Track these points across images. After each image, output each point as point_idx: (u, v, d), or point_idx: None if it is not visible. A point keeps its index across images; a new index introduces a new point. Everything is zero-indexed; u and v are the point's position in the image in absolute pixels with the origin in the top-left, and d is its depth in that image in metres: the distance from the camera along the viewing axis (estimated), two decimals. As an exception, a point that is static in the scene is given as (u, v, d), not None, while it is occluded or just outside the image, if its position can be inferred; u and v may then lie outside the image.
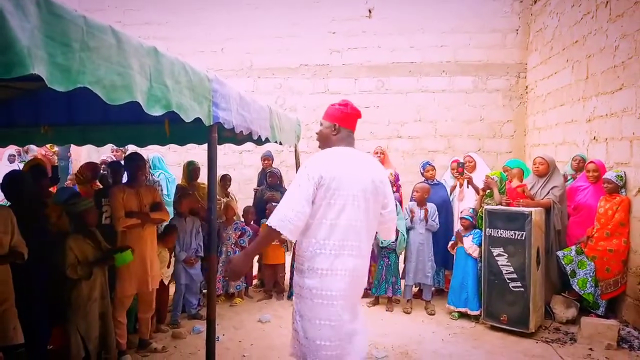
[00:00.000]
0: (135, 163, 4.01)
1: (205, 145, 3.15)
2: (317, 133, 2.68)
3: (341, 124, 2.58)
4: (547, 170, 5.05)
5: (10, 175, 3.39)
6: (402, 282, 5.38)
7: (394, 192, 5.05)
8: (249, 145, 5.87)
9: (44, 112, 4.67)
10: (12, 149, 8.00)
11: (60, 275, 3.36)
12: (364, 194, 2.45)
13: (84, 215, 3.50)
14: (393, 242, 5.15)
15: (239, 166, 8.94)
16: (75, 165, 8.66)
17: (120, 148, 7.12)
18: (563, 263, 4.78)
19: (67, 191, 4.59)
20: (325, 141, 2.62)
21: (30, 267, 3.09)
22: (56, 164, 7.09)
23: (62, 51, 1.57)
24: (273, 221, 2.35)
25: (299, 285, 2.51)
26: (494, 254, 4.67)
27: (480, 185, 5.39)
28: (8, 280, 2.96)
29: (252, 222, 5.72)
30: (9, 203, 3.38)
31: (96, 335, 3.50)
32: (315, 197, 2.38)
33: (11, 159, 8.20)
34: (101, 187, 4.90)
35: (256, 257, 5.93)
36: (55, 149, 8.06)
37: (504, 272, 4.61)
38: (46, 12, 1.50)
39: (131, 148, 6.66)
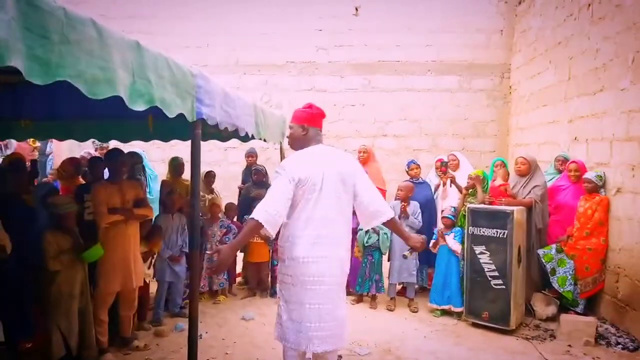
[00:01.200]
0: (117, 159, 3.95)
1: (189, 141, 3.12)
2: (287, 137, 2.95)
3: (309, 124, 2.85)
4: (528, 170, 5.12)
5: None
6: (386, 280, 5.41)
7: None
8: (234, 142, 5.82)
9: (25, 105, 4.59)
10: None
11: (39, 271, 3.32)
12: (334, 186, 2.74)
13: (65, 217, 3.46)
14: (377, 240, 5.18)
15: (224, 163, 8.89)
16: (56, 161, 8.53)
17: (104, 144, 7.03)
18: (543, 261, 4.86)
19: (45, 187, 4.52)
20: (297, 142, 2.88)
21: (8, 263, 3.05)
22: (36, 159, 6.97)
23: (40, 43, 1.54)
24: (258, 215, 2.55)
25: (282, 272, 2.81)
26: (477, 252, 4.72)
27: (463, 184, 5.44)
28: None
29: (234, 219, 5.68)
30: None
31: (76, 331, 3.46)
32: (295, 196, 2.66)
33: None
34: (84, 182, 4.83)
35: (240, 255, 5.93)
36: (37, 144, 7.92)
37: (485, 269, 4.67)
38: (24, 3, 1.47)
39: (114, 144, 6.58)
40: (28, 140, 7.50)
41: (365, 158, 6.17)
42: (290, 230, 2.73)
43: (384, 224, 2.99)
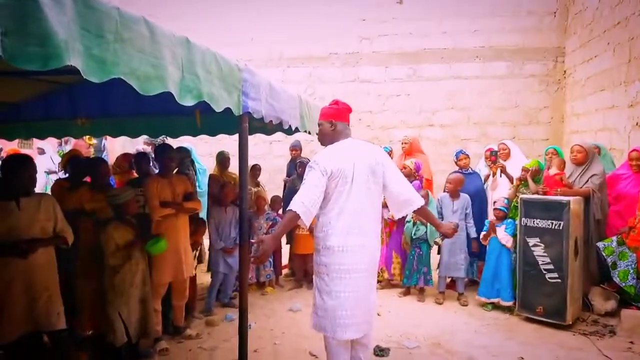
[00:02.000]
0: (166, 154, 4.07)
1: (236, 136, 3.17)
2: (317, 134, 3.08)
3: (336, 119, 2.96)
4: (585, 158, 4.87)
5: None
6: (435, 273, 5.32)
7: (414, 181, 5.04)
8: (278, 135, 5.87)
9: (80, 104, 4.80)
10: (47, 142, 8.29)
11: (102, 261, 3.46)
12: (365, 178, 2.85)
13: (125, 206, 3.59)
14: (425, 232, 5.10)
15: (269, 156, 8.99)
16: (111, 157, 8.89)
17: (155, 140, 7.25)
18: (604, 254, 4.61)
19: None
20: (326, 137, 3.00)
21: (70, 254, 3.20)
22: (91, 156, 7.29)
23: (97, 43, 1.59)
24: (296, 207, 2.67)
25: (317, 263, 2.91)
26: (530, 244, 4.55)
27: (514, 174, 5.25)
28: (52, 266, 3.06)
29: (279, 212, 5.74)
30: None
31: (137, 319, 3.60)
32: (328, 188, 2.78)
33: (40, 152, 8.51)
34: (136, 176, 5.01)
35: (286, 248, 5.99)
36: (93, 141, 8.27)
37: (540, 262, 4.50)
38: (81, 4, 1.53)
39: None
40: (84, 137, 7.84)
41: (408, 149, 6.08)
42: (324, 221, 2.85)
43: (414, 212, 3.06)
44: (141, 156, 4.81)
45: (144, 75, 1.85)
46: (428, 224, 5.04)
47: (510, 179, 5.37)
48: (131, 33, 1.78)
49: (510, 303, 4.77)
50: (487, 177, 5.71)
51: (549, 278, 4.44)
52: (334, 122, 2.95)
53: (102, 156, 8.71)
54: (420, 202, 3.03)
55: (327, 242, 2.82)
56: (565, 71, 8.29)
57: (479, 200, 5.44)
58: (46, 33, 1.36)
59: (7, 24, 1.28)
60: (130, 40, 1.77)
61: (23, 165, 2.94)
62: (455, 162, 5.66)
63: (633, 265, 4.48)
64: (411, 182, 5.32)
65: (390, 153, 6.51)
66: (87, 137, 7.93)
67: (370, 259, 2.93)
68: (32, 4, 1.33)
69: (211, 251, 4.88)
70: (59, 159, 8.23)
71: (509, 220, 4.90)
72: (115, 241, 3.46)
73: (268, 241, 2.72)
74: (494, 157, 5.72)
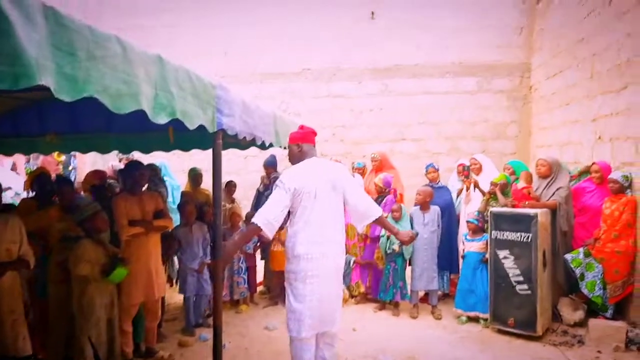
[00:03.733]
0: (136, 171, 3.99)
1: (209, 150, 3.15)
2: (288, 155, 3.42)
3: (302, 142, 3.32)
4: (549, 171, 5.04)
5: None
6: (409, 287, 5.36)
7: (387, 196, 5.31)
8: (253, 150, 5.85)
9: (49, 120, 4.69)
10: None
11: (70, 282, 3.36)
12: (327, 193, 3.18)
13: (91, 221, 3.49)
14: (400, 246, 5.15)
15: (243, 171, 8.94)
16: (80, 173, 8.69)
17: (126, 155, 7.14)
18: (572, 266, 4.74)
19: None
20: (294, 158, 3.34)
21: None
22: (61, 173, 7.12)
23: (68, 61, 1.58)
24: (258, 220, 3.02)
25: (287, 270, 3.23)
26: (500, 256, 4.65)
27: (486, 187, 5.37)
28: (17, 289, 2.96)
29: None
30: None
31: (105, 341, 3.50)
32: (293, 203, 3.12)
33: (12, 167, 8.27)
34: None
35: (262, 263, 5.95)
36: (62, 157, 8.09)
37: (510, 274, 4.59)
38: (53, 22, 1.51)
39: (136, 155, 6.67)
40: (53, 154, 7.66)
41: (378, 165, 6.15)
42: (291, 232, 3.18)
43: (374, 222, 3.40)
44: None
45: (116, 93, 1.83)
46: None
47: (483, 193, 5.48)
48: (103, 51, 1.77)
49: (487, 315, 4.84)
50: (460, 191, 5.81)
51: (519, 290, 4.53)
52: (300, 145, 3.31)
53: (70, 173, 8.53)
54: (378, 213, 3.38)
55: (294, 251, 3.14)
56: (531, 86, 8.57)
57: (448, 214, 5.53)
58: (16, 51, 1.34)
59: (-25, 42, 1.26)
60: (103, 58, 1.76)
61: None
62: (425, 175, 5.76)
63: (600, 276, 4.62)
64: (384, 197, 5.42)
65: (363, 169, 6.57)
66: (56, 153, 7.75)
67: (333, 265, 3.23)
68: (3, 21, 1.31)
69: (180, 272, 4.77)
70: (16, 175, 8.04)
71: (487, 234, 4.98)
72: (89, 253, 3.37)
73: (229, 246, 3.02)
74: (467, 172, 5.83)
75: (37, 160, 8.17)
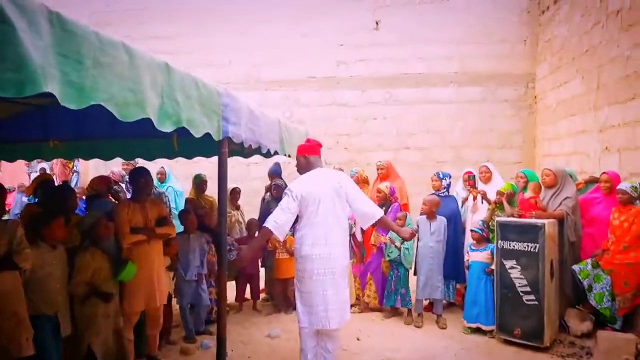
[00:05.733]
0: (142, 177, 3.95)
1: (213, 157, 3.13)
2: (296, 166, 3.75)
3: (308, 154, 3.67)
4: (554, 181, 4.98)
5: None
6: (413, 295, 5.31)
7: (392, 204, 5.33)
8: (256, 157, 5.84)
9: (53, 126, 4.68)
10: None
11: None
12: (330, 198, 3.50)
13: (94, 230, 3.47)
14: (398, 255, 5.12)
15: (247, 179, 8.91)
16: (82, 179, 8.68)
17: (130, 162, 7.12)
18: (579, 277, 4.68)
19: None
20: (302, 168, 3.68)
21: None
22: (67, 180, 7.12)
23: (75, 68, 1.55)
24: (269, 224, 3.38)
25: (297, 268, 3.58)
26: (507, 266, 4.59)
27: (492, 197, 5.32)
28: (19, 291, 2.94)
29: (256, 234, 5.63)
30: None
31: (111, 352, 3.45)
32: (300, 209, 3.44)
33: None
34: (115, 201, 4.87)
35: (262, 272, 5.91)
36: (74, 167, 8.15)
37: (517, 285, 4.53)
38: (59, 29, 1.49)
39: (140, 161, 6.66)
40: (67, 162, 7.68)
41: (385, 174, 6.10)
42: (299, 235, 3.52)
43: (376, 224, 3.74)
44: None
45: (123, 101, 1.81)
46: (402, 247, 5.07)
47: (490, 202, 5.43)
48: (110, 58, 1.74)
49: (490, 327, 4.78)
50: (465, 199, 5.76)
51: (526, 300, 4.47)
52: (307, 157, 3.65)
53: (73, 176, 8.53)
54: (380, 214, 3.69)
55: (301, 252, 3.47)
56: (536, 96, 8.54)
57: (454, 223, 5.47)
58: (22, 59, 1.32)
59: (-20, 50, 1.24)
60: (109, 65, 1.73)
61: None
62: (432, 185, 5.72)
63: (608, 288, 4.55)
64: (389, 205, 5.38)
65: (356, 176, 6.51)
66: (69, 162, 7.81)
67: (336, 264, 3.50)
68: (7, 28, 1.29)
69: (177, 282, 4.71)
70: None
71: (491, 244, 4.93)
72: (91, 268, 3.34)
73: (245, 250, 3.49)
74: (472, 182, 5.78)
75: (42, 164, 8.19)
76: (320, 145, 3.76)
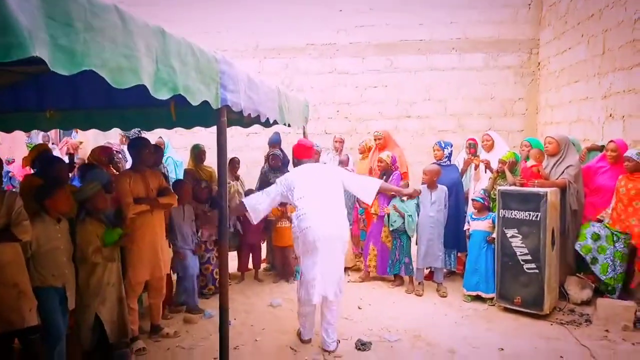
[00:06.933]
0: (142, 147, 3.91)
1: (212, 128, 3.07)
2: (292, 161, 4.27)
3: (300, 157, 4.14)
4: (557, 149, 4.91)
5: None
6: (415, 264, 5.34)
7: (394, 172, 5.31)
8: (256, 127, 5.76)
9: (49, 96, 4.59)
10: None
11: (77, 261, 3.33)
12: (317, 179, 3.88)
13: (92, 201, 3.43)
14: (402, 224, 5.11)
15: (246, 149, 8.85)
16: (82, 150, 8.62)
17: (128, 134, 7.04)
18: (582, 254, 4.66)
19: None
20: (295, 165, 4.21)
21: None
22: (72, 153, 7.07)
23: (64, 32, 1.47)
24: (248, 203, 3.88)
25: (296, 242, 3.85)
26: (508, 235, 4.59)
27: (495, 165, 5.27)
28: (20, 262, 2.93)
29: None
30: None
31: (115, 319, 3.49)
32: (294, 191, 3.81)
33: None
34: (115, 172, 4.82)
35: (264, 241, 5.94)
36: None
37: (518, 253, 4.54)
38: (47, -11, 1.41)
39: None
40: (77, 139, 7.65)
41: (382, 144, 6.03)
42: (297, 212, 3.78)
43: (379, 191, 4.09)
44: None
45: (116, 67, 1.73)
46: (405, 215, 5.06)
47: (492, 171, 5.38)
48: (102, 22, 1.66)
49: (491, 295, 4.81)
50: (466, 164, 5.70)
51: (527, 269, 4.49)
52: (300, 159, 4.14)
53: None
54: (379, 181, 4.17)
55: (300, 226, 3.70)
56: (539, 63, 8.39)
57: (455, 192, 5.44)
58: (7, 21, 1.24)
59: (-37, 12, 1.17)
60: (101, 29, 1.65)
61: None
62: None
63: (612, 257, 4.54)
64: (391, 174, 5.34)
65: (365, 145, 6.51)
66: (79, 140, 7.80)
67: (332, 236, 3.69)
68: (-9, -12, 1.21)
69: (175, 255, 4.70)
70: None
71: (492, 213, 4.92)
72: (95, 237, 3.33)
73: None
74: (473, 150, 5.72)
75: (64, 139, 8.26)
76: (312, 148, 4.24)
